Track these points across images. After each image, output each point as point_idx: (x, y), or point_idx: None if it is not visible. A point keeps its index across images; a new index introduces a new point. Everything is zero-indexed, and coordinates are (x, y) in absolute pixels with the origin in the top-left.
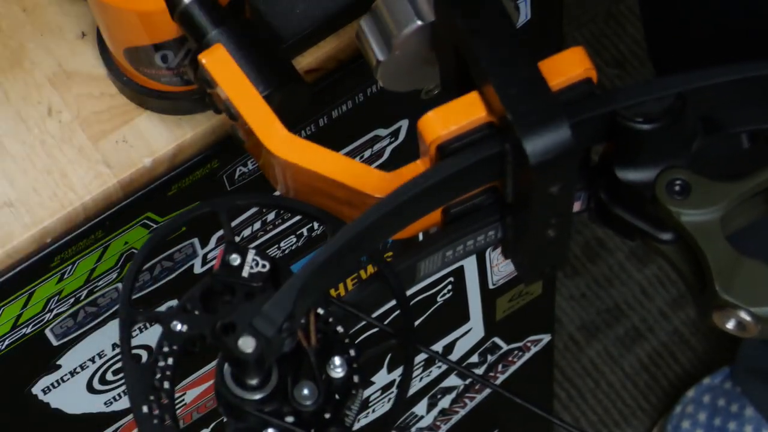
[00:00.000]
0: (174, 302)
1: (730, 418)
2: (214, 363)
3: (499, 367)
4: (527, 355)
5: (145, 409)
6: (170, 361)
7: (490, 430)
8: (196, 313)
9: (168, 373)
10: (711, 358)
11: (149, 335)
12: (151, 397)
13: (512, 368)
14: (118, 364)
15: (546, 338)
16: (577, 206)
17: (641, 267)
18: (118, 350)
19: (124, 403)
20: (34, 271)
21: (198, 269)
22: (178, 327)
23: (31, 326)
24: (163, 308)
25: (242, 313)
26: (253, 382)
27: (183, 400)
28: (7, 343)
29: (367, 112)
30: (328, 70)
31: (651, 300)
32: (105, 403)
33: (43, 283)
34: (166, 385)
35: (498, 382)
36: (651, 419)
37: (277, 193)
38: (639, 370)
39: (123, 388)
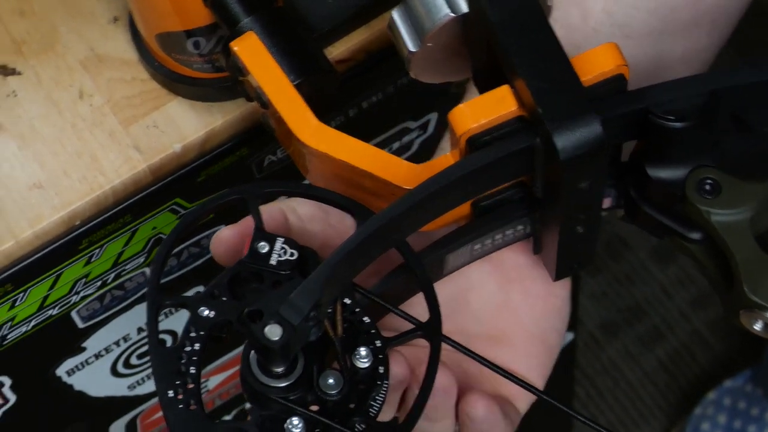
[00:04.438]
0: (200, 288)
1: (750, 422)
2: (237, 350)
3: None
4: None
5: (170, 393)
6: (197, 346)
7: None
8: (224, 299)
9: (194, 358)
10: (730, 360)
11: (174, 320)
12: (177, 382)
13: None
14: (143, 348)
15: (568, 336)
16: (606, 203)
17: (663, 266)
18: (143, 334)
19: (147, 387)
20: (63, 253)
21: None
22: (206, 312)
23: (57, 308)
24: (189, 294)
25: (269, 301)
26: (279, 369)
27: (206, 386)
28: (33, 324)
29: (396, 103)
30: (358, 60)
31: (672, 300)
32: (128, 387)
33: (71, 266)
34: (192, 369)
35: None
36: (669, 419)
37: (305, 181)
38: (658, 369)
39: (147, 372)
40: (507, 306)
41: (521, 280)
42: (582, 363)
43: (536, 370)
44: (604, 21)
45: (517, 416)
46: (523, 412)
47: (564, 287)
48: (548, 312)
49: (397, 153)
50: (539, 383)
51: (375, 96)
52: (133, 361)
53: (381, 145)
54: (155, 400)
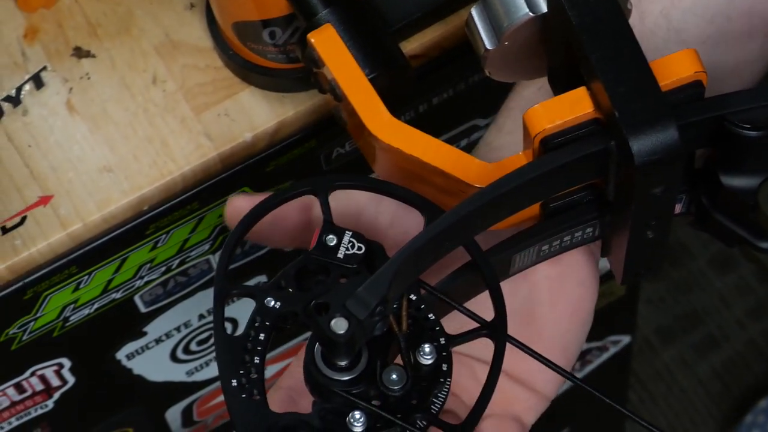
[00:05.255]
0: (262, 278)
1: None
2: (294, 341)
3: (577, 365)
4: (605, 355)
5: (234, 382)
6: (261, 336)
7: (562, 427)
8: (290, 290)
9: (259, 348)
10: None
11: (234, 308)
12: (241, 371)
13: (589, 367)
14: (203, 335)
15: (625, 339)
16: (677, 209)
17: (722, 274)
18: (203, 321)
19: (205, 373)
20: (129, 238)
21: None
22: (272, 303)
23: (121, 291)
24: (251, 283)
25: (336, 294)
26: (343, 363)
27: None
28: (96, 306)
29: (467, 101)
30: (431, 57)
31: (729, 308)
32: (187, 373)
33: (137, 250)
34: (257, 360)
35: None
36: (720, 426)
37: (374, 175)
38: (712, 377)
39: (206, 358)
40: (532, 317)
41: (550, 293)
42: (636, 368)
43: (553, 379)
44: (661, 24)
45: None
46: (531, 424)
47: (591, 300)
48: (572, 326)
49: (465, 150)
50: (553, 392)
51: (446, 92)
52: (193, 347)
53: (449, 142)
54: (213, 386)
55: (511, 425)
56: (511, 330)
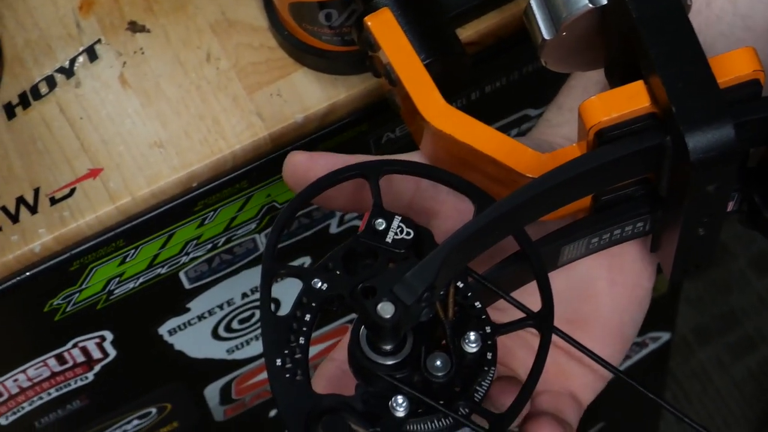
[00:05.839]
0: (306, 259)
1: None
2: (338, 322)
3: None
4: (644, 352)
5: (278, 362)
6: (307, 317)
7: (595, 423)
8: (338, 273)
9: (304, 329)
10: None
11: (276, 288)
12: (285, 351)
13: (628, 363)
14: (245, 314)
15: (665, 336)
16: (729, 206)
17: (761, 276)
18: (246, 300)
19: (245, 352)
20: (177, 214)
21: (334, 230)
22: (319, 285)
23: (166, 267)
24: (295, 263)
25: (383, 279)
26: (388, 347)
27: None
28: (141, 281)
29: (519, 90)
30: (486, 45)
31: (767, 310)
32: (227, 351)
33: (184, 226)
34: (301, 340)
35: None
36: (754, 429)
37: (421, 158)
38: (748, 378)
39: (246, 337)
40: (591, 293)
41: (609, 269)
42: (672, 366)
43: (609, 359)
44: (728, 9)
45: (580, 411)
46: (588, 403)
47: (649, 279)
48: (631, 303)
49: None
50: (609, 373)
51: (499, 81)
52: (235, 325)
53: (499, 131)
54: (252, 365)
55: (567, 401)
56: (569, 306)
